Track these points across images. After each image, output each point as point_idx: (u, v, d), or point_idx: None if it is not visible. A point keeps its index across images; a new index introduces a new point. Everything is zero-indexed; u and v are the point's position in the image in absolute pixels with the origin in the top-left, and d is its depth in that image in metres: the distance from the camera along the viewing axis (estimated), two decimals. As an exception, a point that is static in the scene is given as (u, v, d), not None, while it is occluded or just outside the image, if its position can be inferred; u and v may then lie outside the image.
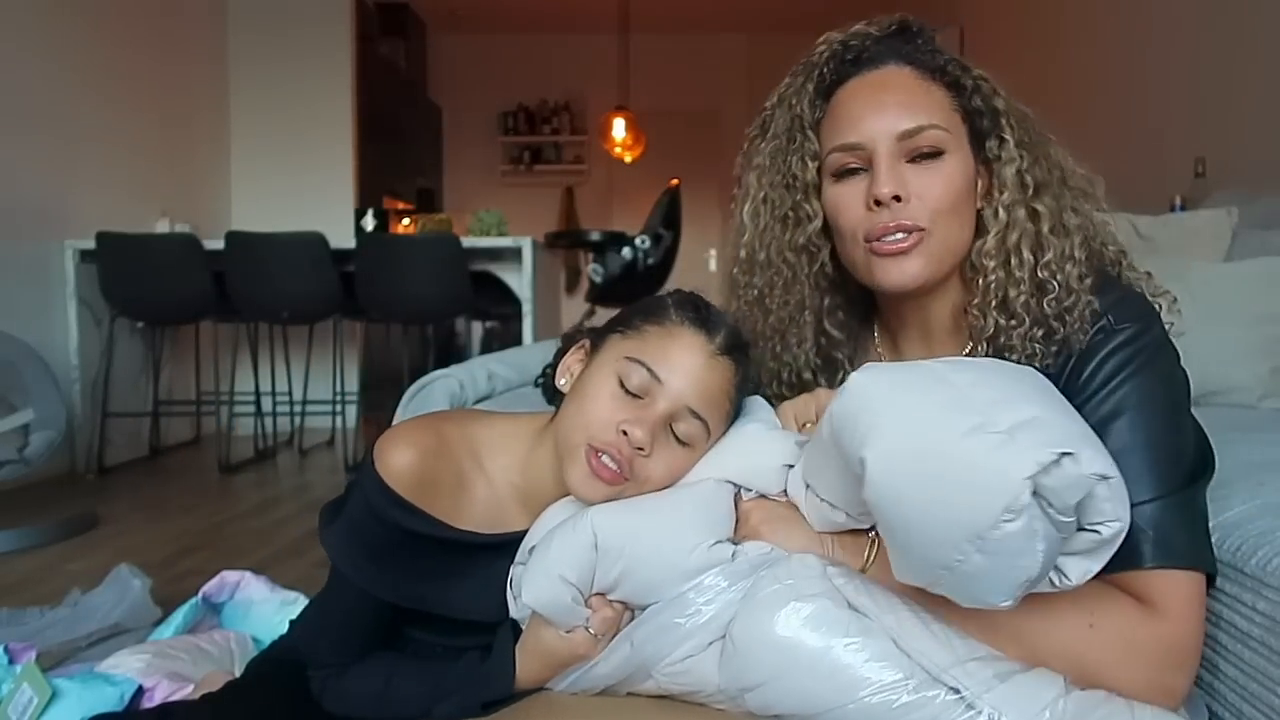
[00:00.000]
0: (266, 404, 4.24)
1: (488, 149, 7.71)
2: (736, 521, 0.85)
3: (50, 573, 2.27)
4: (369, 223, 4.03)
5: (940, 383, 0.69)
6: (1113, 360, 0.81)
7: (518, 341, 3.96)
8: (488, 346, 5.54)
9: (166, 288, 3.62)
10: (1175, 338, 0.85)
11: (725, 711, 0.79)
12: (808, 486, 0.83)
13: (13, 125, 3.33)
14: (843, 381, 0.73)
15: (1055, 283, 0.84)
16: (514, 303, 3.82)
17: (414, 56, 6.95)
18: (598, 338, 0.92)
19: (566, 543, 0.82)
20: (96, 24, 3.83)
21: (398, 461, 0.85)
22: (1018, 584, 0.64)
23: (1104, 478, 0.64)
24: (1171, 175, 3.22)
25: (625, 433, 0.82)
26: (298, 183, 4.97)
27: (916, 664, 0.72)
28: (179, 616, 1.59)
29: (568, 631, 0.82)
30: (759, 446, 0.88)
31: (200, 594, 1.65)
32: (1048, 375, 0.78)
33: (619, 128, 6.43)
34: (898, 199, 0.86)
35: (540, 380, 0.98)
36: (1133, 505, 0.73)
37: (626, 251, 4.37)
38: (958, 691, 0.70)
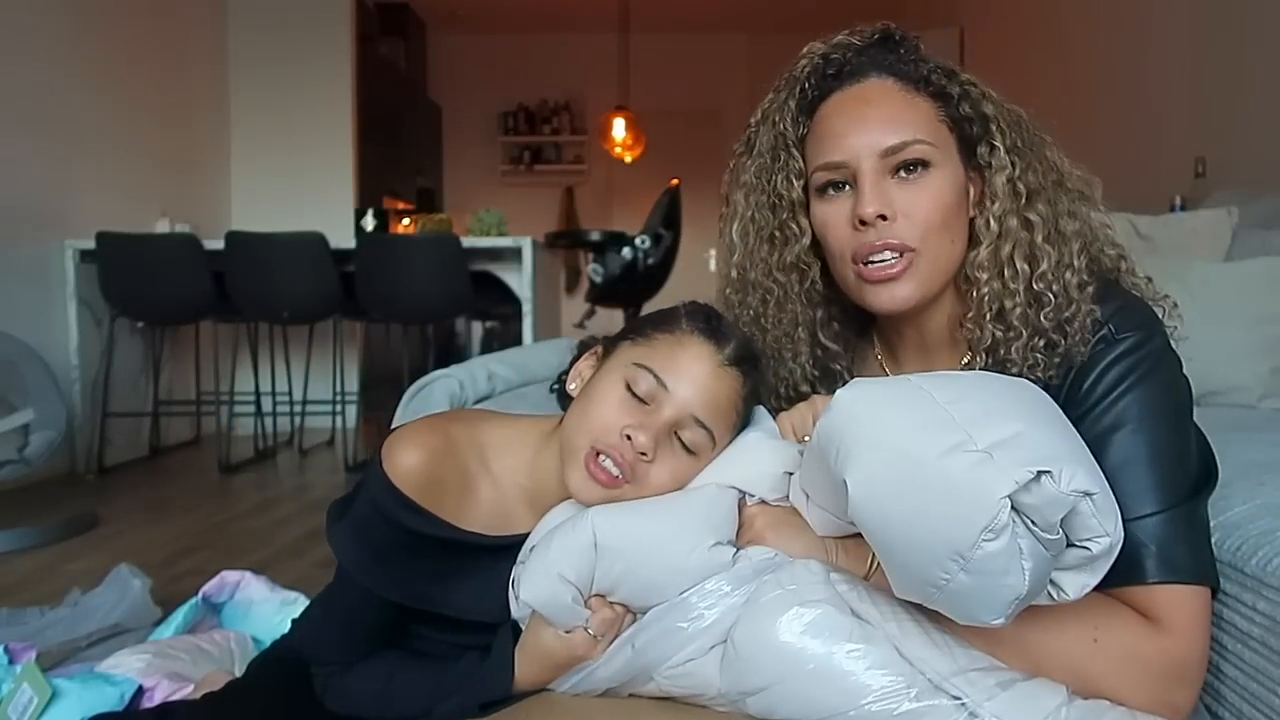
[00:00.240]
0: (266, 404, 4.24)
1: (488, 149, 7.71)
2: (740, 526, 0.85)
3: (50, 573, 2.27)
4: (369, 223, 4.02)
5: (923, 400, 0.68)
6: (1114, 371, 0.80)
7: (518, 341, 3.96)
8: (488, 346, 5.55)
9: (166, 288, 3.62)
10: (1177, 343, 0.84)
11: (727, 714, 0.79)
12: (807, 496, 0.83)
13: (13, 125, 3.32)
14: None
15: (1052, 293, 0.83)
16: (514, 303, 3.82)
17: (414, 56, 6.95)
18: (610, 344, 0.92)
19: (566, 542, 0.82)
20: (97, 24, 3.82)
21: (405, 462, 0.85)
22: (1006, 602, 0.64)
23: (1086, 494, 0.63)
24: (1171, 175, 3.22)
25: (629, 437, 0.82)
26: (298, 183, 4.97)
27: (918, 672, 0.72)
28: (179, 616, 1.59)
29: (567, 632, 0.82)
30: (761, 453, 0.88)
31: (200, 594, 1.65)
32: (1049, 387, 0.77)
33: (619, 128, 6.43)
34: (883, 218, 0.84)
35: (554, 386, 0.99)
36: (1136, 519, 0.73)
37: (626, 251, 4.37)
38: (959, 699, 0.70)
